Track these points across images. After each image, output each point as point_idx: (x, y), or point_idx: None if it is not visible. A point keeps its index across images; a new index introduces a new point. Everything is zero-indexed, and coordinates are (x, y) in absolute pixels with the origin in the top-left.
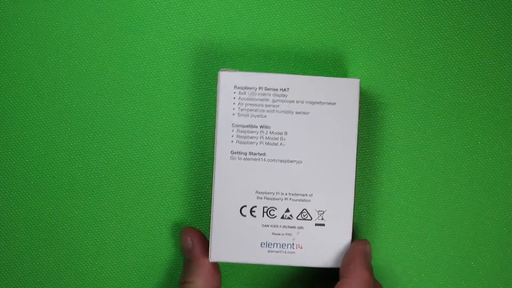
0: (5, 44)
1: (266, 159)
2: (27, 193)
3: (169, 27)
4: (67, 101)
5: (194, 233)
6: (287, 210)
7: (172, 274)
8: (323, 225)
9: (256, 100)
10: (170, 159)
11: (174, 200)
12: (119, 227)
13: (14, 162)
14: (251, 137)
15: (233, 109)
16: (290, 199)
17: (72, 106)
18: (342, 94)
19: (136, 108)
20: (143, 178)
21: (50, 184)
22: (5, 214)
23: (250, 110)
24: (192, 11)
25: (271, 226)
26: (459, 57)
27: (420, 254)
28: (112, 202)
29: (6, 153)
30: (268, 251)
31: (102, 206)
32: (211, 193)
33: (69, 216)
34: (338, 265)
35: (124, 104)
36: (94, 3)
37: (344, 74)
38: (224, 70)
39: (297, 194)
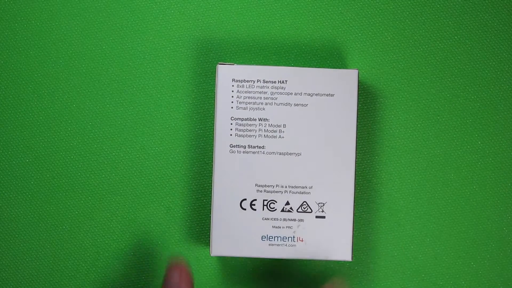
0: (5, 44)
1: (265, 152)
2: (27, 193)
3: (168, 27)
4: (67, 101)
5: (182, 269)
6: (287, 203)
7: None
8: (324, 217)
9: (255, 93)
10: (170, 159)
11: (174, 200)
12: (119, 227)
13: (14, 162)
14: (250, 130)
15: (232, 102)
16: (290, 191)
17: (72, 106)
18: (341, 85)
19: (136, 108)
20: (143, 178)
21: (50, 184)
22: (5, 214)
23: (248, 103)
24: (191, 10)
25: (271, 219)
26: (459, 57)
27: (420, 254)
28: (112, 202)
29: (6, 153)
30: (269, 245)
31: (102, 206)
32: (211, 188)
33: (69, 216)
34: (339, 258)
35: (124, 104)
36: (94, 3)
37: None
38: (222, 64)
39: (297, 187)
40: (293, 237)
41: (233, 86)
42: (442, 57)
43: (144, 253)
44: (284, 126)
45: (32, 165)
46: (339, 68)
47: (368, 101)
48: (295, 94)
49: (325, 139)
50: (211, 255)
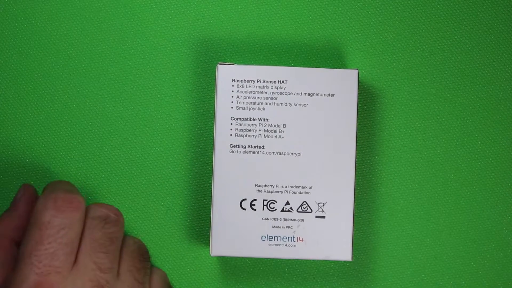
0: (5, 44)
1: (265, 152)
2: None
3: (168, 27)
4: (67, 101)
5: (27, 187)
6: (287, 203)
7: (172, 275)
8: (324, 217)
9: (255, 93)
10: (170, 159)
11: (174, 200)
12: None
13: (14, 162)
14: (250, 130)
15: (232, 102)
16: (290, 191)
17: (72, 106)
18: (341, 85)
19: (136, 108)
20: (143, 178)
21: None
22: None
23: (248, 103)
24: (191, 10)
25: (271, 219)
26: (459, 57)
27: (420, 254)
28: (112, 202)
29: (6, 153)
30: (269, 245)
31: None
32: (211, 188)
33: None
34: (339, 258)
35: (124, 104)
36: (94, 3)
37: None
38: (222, 64)
39: (297, 187)
40: (293, 237)
41: (233, 86)
42: (442, 57)
43: None
44: (284, 126)
45: (32, 165)
46: (339, 68)
47: (368, 101)
48: (295, 94)
49: (325, 139)
50: (211, 255)
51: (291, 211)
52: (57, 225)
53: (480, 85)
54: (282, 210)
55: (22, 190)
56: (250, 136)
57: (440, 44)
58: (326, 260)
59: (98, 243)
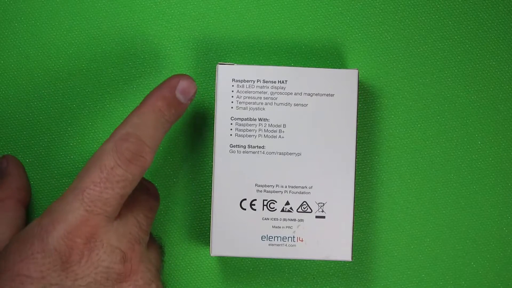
0: (5, 44)
1: (265, 152)
2: None
3: (168, 27)
4: (67, 101)
5: (9, 157)
6: (287, 203)
7: (172, 275)
8: (324, 217)
9: (255, 93)
10: (170, 159)
11: (174, 200)
12: None
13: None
14: (250, 130)
15: (232, 102)
16: (290, 191)
17: (72, 106)
18: (341, 85)
19: None
20: (143, 178)
21: (51, 185)
22: None
23: (248, 103)
24: (191, 10)
25: (271, 219)
26: (459, 57)
27: (420, 254)
28: None
29: (6, 153)
30: (269, 245)
31: None
32: (211, 188)
33: None
34: (339, 258)
35: (124, 104)
36: (94, 3)
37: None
38: (222, 64)
39: (296, 187)
40: (293, 237)
41: (233, 86)
42: (442, 57)
43: None
44: (284, 126)
45: (32, 166)
46: (339, 68)
47: (368, 101)
48: (295, 94)
49: (325, 139)
50: (211, 255)
51: (291, 211)
52: (119, 175)
53: (480, 85)
54: (282, 210)
55: (2, 159)
56: (250, 136)
57: (440, 44)
58: (326, 260)
59: (143, 206)
